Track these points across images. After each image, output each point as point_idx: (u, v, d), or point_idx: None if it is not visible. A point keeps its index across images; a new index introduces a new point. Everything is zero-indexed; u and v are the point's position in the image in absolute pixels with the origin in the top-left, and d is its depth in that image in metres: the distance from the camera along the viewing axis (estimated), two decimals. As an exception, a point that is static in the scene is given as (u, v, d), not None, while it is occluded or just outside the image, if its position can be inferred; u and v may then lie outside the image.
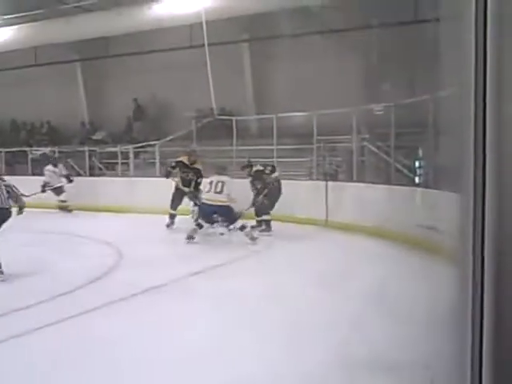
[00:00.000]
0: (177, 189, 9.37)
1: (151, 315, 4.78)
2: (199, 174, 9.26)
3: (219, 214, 8.12)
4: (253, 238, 8.04)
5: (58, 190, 12.12)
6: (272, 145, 11.18)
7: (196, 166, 9.34)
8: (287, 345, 3.99)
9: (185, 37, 13.35)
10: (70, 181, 12.10)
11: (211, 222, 8.27)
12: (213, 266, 6.67)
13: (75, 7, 13.96)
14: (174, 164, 9.46)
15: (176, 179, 9.32)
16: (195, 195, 9.11)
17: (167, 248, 8.20)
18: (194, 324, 4.55)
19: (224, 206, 8.02)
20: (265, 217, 8.86)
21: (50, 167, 12.23)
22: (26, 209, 6.55)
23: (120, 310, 4.99)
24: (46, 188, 11.93)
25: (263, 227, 8.80)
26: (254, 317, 4.68)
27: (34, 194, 10.97)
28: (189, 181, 9.23)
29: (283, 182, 9.22)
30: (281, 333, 4.25)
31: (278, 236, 8.64)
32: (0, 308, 4.82)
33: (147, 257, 7.27)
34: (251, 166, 9.13)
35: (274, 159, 10.68)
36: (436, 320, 4.32)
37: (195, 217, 8.78)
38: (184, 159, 9.36)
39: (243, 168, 9.25)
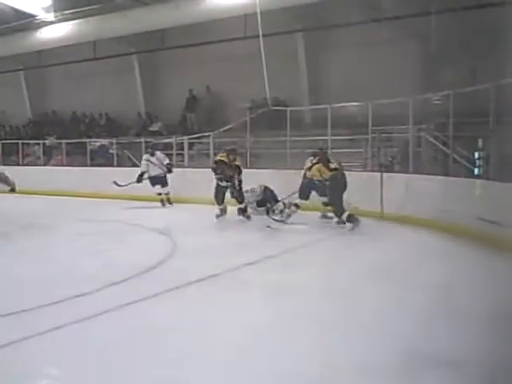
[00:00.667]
0: (218, 184, 9.48)
1: (207, 304, 4.82)
2: (239, 171, 9.39)
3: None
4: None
5: (158, 181, 11.54)
6: (326, 135, 11.05)
7: (236, 163, 9.42)
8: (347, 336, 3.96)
9: (239, 27, 13.34)
10: (170, 171, 11.58)
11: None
12: (276, 254, 6.69)
13: (132, 1, 14.20)
14: (215, 165, 9.54)
15: (217, 176, 9.40)
16: (236, 191, 9.37)
17: (221, 237, 8.25)
18: (248, 313, 4.57)
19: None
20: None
21: (146, 156, 11.72)
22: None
23: (175, 297, 5.06)
24: (143, 178, 11.50)
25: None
26: (312, 308, 4.64)
27: (129, 183, 11.25)
28: (230, 177, 9.34)
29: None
30: (342, 325, 4.21)
31: (334, 228, 8.55)
32: (60, 294, 4.97)
33: (201, 246, 7.35)
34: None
35: (329, 150, 10.56)
36: (499, 316, 4.21)
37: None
38: (224, 158, 9.41)
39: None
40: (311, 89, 14.36)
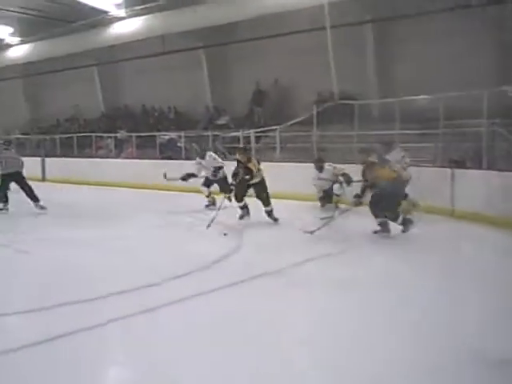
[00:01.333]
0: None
1: (271, 298, 4.88)
2: (251, 175, 8.66)
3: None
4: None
5: (210, 183, 10.80)
6: (395, 129, 10.82)
7: (249, 165, 8.68)
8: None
9: (307, 19, 13.25)
10: (215, 174, 10.55)
11: None
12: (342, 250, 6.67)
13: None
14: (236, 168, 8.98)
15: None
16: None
17: (287, 233, 8.26)
18: (313, 309, 4.60)
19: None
20: None
21: (198, 160, 10.92)
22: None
23: (241, 290, 5.15)
24: (189, 178, 10.90)
25: None
26: (373, 305, 4.60)
27: (174, 179, 11.11)
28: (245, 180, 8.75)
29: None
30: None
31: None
32: (131, 283, 5.15)
33: (267, 240, 7.40)
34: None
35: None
36: None
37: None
38: (240, 157, 8.89)
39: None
40: (379, 82, 14.06)
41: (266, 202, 8.80)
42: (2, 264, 6.35)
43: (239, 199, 8.86)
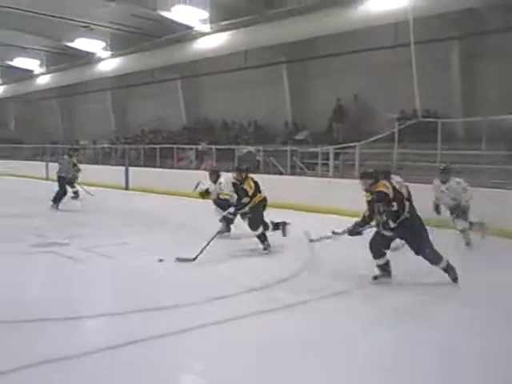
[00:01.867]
0: None
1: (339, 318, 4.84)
2: (243, 195, 7.75)
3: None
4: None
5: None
6: (480, 149, 10.41)
7: (244, 186, 7.81)
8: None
9: (390, 35, 13.07)
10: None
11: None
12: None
13: (284, 11, 14.53)
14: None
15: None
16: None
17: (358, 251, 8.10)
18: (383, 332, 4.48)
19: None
20: None
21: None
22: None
23: (308, 309, 5.13)
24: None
25: None
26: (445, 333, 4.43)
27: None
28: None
29: (487, 191, 8.65)
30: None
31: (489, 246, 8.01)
32: (202, 295, 5.24)
33: (337, 259, 7.31)
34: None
35: (481, 165, 9.94)
36: None
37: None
38: (234, 177, 8.04)
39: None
40: (465, 99, 13.57)
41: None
42: (87, 267, 6.63)
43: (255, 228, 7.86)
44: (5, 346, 4.01)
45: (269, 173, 14.11)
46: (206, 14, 16.12)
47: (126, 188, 18.45)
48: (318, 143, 14.48)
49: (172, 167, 17.83)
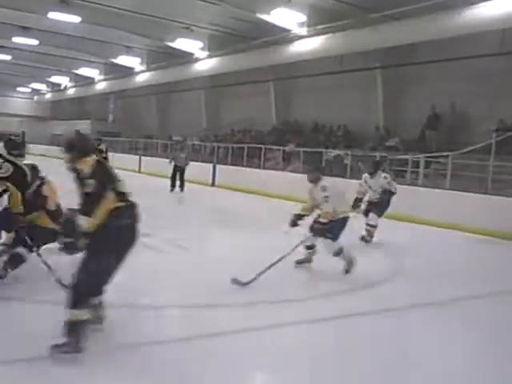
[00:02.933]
0: None
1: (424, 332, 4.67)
2: None
3: None
4: None
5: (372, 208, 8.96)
6: None
7: None
8: None
9: (494, 42, 12.53)
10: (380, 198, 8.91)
11: None
12: None
13: (383, 16, 14.30)
14: None
15: None
16: None
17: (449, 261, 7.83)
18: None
19: None
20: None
21: (366, 175, 9.20)
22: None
23: (394, 318, 5.01)
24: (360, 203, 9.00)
25: None
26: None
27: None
28: None
29: None
30: None
31: None
32: (281, 295, 5.25)
33: (425, 269, 7.10)
34: None
35: None
36: None
37: None
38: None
39: None
40: None
41: None
42: (168, 258, 6.84)
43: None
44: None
45: (356, 178, 13.90)
46: (303, 18, 16.19)
47: (213, 185, 18.84)
48: (408, 150, 14.12)
49: (259, 167, 18.01)
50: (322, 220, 6.30)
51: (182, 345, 4.04)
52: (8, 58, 28.22)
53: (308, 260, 6.62)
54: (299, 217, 6.50)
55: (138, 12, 17.99)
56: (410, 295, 5.79)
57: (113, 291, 5.02)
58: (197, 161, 19.46)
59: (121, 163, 24.56)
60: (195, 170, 19.36)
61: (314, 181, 6.51)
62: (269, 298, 5.21)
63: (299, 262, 6.55)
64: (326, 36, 16.18)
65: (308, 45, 16.92)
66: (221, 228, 9.38)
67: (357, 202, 8.78)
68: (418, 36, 13.93)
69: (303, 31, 16.73)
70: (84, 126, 35.41)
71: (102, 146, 14.57)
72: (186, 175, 16.08)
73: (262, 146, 18.68)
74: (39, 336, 3.74)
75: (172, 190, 15.78)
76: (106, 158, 14.03)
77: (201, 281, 5.73)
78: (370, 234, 8.75)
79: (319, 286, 5.87)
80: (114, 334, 4.09)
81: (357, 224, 8.02)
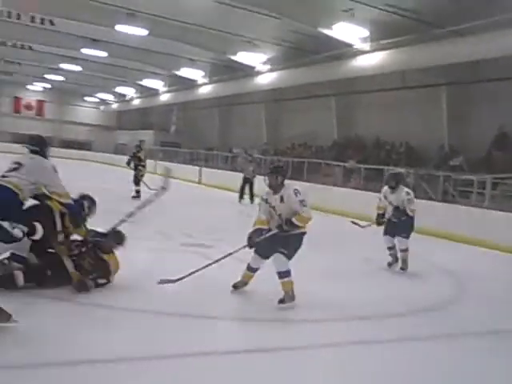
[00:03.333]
0: None
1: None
2: None
3: None
4: None
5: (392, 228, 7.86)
6: None
7: None
8: None
9: None
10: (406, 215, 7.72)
11: None
12: None
13: (447, 31, 13.96)
14: None
15: None
16: None
17: None
18: None
19: None
20: None
21: (385, 189, 7.95)
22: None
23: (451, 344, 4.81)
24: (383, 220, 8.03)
25: None
26: None
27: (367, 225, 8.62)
28: None
29: None
30: None
31: None
32: (344, 315, 5.13)
33: (491, 294, 6.81)
34: None
35: None
36: None
37: None
38: None
39: None
40: None
41: None
42: (227, 271, 6.83)
43: None
44: (147, 335, 4.25)
45: (417, 197, 13.56)
46: (366, 32, 16.03)
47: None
48: (473, 170, 13.66)
49: (317, 182, 17.86)
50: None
51: (234, 357, 4.01)
52: (78, 68, 29.34)
53: None
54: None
55: (203, 26, 18.32)
56: (473, 321, 5.55)
57: (168, 300, 5.14)
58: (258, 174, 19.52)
59: (181, 174, 25.25)
60: (255, 183, 19.47)
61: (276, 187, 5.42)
62: (331, 315, 5.16)
63: None
64: (388, 51, 15.96)
65: (370, 60, 16.73)
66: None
67: (380, 217, 7.95)
68: (484, 53, 13.50)
69: (366, 46, 16.57)
70: (147, 136, 36.36)
71: (141, 154, 14.73)
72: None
73: (322, 161, 18.54)
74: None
75: (240, 200, 16.37)
76: (143, 166, 14.40)
77: (258, 295, 5.68)
78: (406, 261, 7.77)
79: (377, 307, 5.68)
80: (164, 342, 4.11)
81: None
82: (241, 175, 17.11)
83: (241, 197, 16.50)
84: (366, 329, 4.99)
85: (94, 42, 23.04)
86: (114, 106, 43.19)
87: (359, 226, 8.48)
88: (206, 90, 27.44)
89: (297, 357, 4.10)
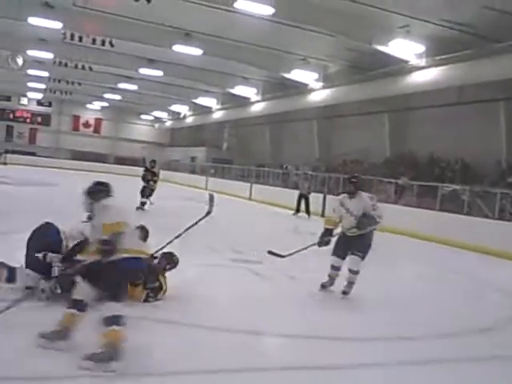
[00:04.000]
0: None
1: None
2: None
3: None
4: None
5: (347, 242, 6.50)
6: None
7: None
8: None
9: None
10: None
11: None
12: None
13: (506, 45, 13.66)
14: None
15: None
16: None
17: None
18: None
19: None
20: None
21: (343, 196, 6.56)
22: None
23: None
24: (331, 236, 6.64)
25: None
26: None
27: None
28: None
29: None
30: None
31: None
32: (382, 333, 5.06)
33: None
34: None
35: None
36: None
37: None
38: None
39: None
40: None
41: None
42: (275, 286, 6.85)
43: None
44: (191, 348, 4.26)
45: (472, 215, 13.26)
46: (422, 48, 15.86)
47: (322, 215, 18.73)
48: (532, 188, 13.23)
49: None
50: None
51: (284, 374, 4.00)
52: (135, 87, 30.21)
53: None
54: None
55: (256, 44, 18.59)
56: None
57: (209, 313, 5.20)
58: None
59: (232, 190, 25.53)
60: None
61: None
62: (385, 334, 5.09)
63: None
64: (444, 67, 15.73)
65: (426, 76, 16.52)
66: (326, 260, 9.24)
67: (326, 234, 6.49)
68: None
69: (421, 62, 16.38)
70: (199, 153, 37.02)
71: (156, 169, 15.06)
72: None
73: (374, 178, 18.36)
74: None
75: (295, 213, 17.55)
76: (155, 182, 14.64)
77: (304, 312, 5.68)
78: (352, 285, 6.37)
79: (436, 325, 5.56)
80: (210, 357, 4.13)
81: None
82: (294, 192, 18.03)
83: (297, 210, 17.57)
84: (425, 347, 4.87)
85: (151, 62, 23.75)
86: (168, 123, 44.16)
87: (279, 256, 7.10)
88: (258, 107, 27.71)
89: (339, 375, 4.07)
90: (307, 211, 17.50)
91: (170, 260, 5.66)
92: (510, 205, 13.13)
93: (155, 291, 5.31)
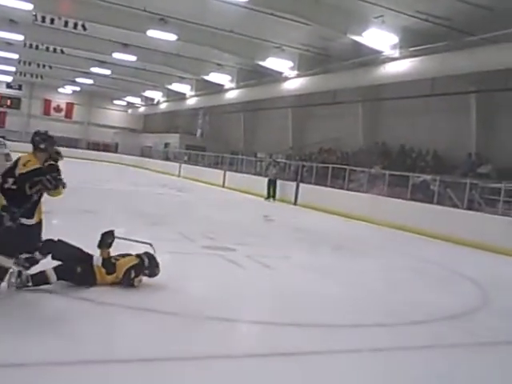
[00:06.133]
0: None
1: None
2: None
3: None
4: None
5: None
6: None
7: None
8: None
9: None
10: None
11: None
12: None
13: (480, 39, 13.83)
14: None
15: None
16: None
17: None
18: None
19: None
20: None
21: None
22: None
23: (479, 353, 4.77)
24: None
25: None
26: None
27: None
28: None
29: None
30: None
31: None
32: (359, 320, 5.13)
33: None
34: None
35: None
36: None
37: None
38: None
39: None
40: None
41: None
42: (247, 274, 6.89)
43: None
44: (165, 335, 4.27)
45: (442, 204, 13.49)
46: (396, 39, 15.98)
47: (295, 203, 18.84)
48: (502, 179, 13.46)
49: (342, 188, 17.79)
50: None
51: (250, 361, 4.03)
52: (108, 72, 29.80)
53: None
54: None
55: (232, 31, 18.47)
56: (499, 331, 5.46)
57: (183, 300, 5.20)
58: (281, 179, 19.77)
59: (205, 177, 25.50)
60: (278, 187, 19.58)
61: None
62: (348, 321, 5.15)
63: None
64: (418, 58, 15.83)
65: (399, 67, 16.61)
66: (301, 248, 9.35)
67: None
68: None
69: (395, 53, 16.48)
70: (173, 140, 36.78)
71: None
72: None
73: (347, 167, 18.48)
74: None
75: (267, 198, 19.20)
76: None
77: (277, 298, 5.73)
78: None
79: (407, 313, 5.66)
80: (177, 342, 4.14)
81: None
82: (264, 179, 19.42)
83: (268, 196, 19.16)
84: (376, 336, 4.93)
85: (125, 47, 23.42)
86: (142, 109, 43.70)
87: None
88: (232, 94, 27.59)
89: (313, 362, 4.10)
90: (273, 195, 19.18)
91: (156, 263, 5.52)
92: (479, 195, 13.38)
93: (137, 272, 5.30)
